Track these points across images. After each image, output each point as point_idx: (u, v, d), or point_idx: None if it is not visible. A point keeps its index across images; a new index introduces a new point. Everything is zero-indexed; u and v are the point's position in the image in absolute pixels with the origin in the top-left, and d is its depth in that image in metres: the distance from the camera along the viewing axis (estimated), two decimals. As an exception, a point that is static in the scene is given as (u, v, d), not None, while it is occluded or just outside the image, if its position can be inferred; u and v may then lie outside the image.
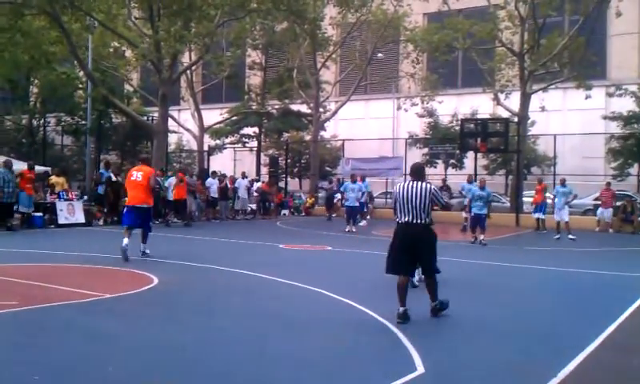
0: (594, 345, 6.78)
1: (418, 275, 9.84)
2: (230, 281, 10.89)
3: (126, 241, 12.44)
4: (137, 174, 13.26)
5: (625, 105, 31.35)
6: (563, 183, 21.42)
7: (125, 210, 14.01)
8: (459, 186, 23.42)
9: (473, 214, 17.80)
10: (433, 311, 8.16)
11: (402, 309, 7.78)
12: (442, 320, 8.11)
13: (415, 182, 8.04)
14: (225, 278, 11.12)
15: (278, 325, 7.55)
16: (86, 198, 22.69)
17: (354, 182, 22.04)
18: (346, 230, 20.88)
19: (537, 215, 23.27)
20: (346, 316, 8.22)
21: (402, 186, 8.13)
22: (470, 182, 21.75)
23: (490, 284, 11.44)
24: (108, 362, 5.89)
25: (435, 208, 8.25)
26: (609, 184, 24.66)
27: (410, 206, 7.89)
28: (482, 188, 17.77)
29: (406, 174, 29.60)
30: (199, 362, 5.98)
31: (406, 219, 7.94)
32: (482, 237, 17.38)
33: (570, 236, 19.72)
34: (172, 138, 38.01)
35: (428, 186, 8.03)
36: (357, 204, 21.70)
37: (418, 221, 7.89)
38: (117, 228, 20.56)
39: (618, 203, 24.78)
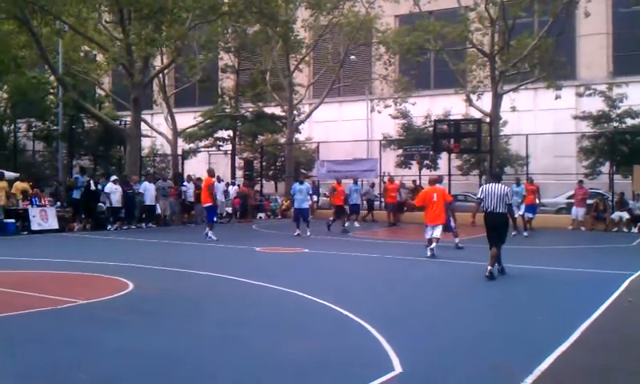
0: (568, 343, 6.84)
1: (458, 239, 16.08)
2: (206, 285, 10.85)
3: (207, 230, 18.67)
4: (202, 184, 20.34)
5: (594, 104, 31.76)
6: (518, 183, 22.42)
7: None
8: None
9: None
10: (492, 273, 11.21)
11: (498, 267, 11.60)
12: (421, 320, 8.18)
13: (496, 184, 11.65)
14: (200, 282, 11.08)
15: (256, 327, 7.54)
16: (58, 204, 22.46)
17: (301, 183, 21.34)
18: (297, 234, 20.11)
19: (525, 215, 23.09)
20: (323, 317, 8.24)
21: (488, 186, 11.71)
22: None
23: (469, 284, 11.54)
24: (81, 368, 5.84)
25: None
26: (581, 182, 24.94)
27: (495, 199, 11.37)
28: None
29: (380, 176, 29.86)
30: (177, 366, 5.95)
31: (490, 209, 11.43)
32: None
33: (514, 233, 20.67)
34: (145, 142, 37.68)
35: (505, 186, 11.71)
36: (306, 205, 20.90)
37: (498, 210, 11.39)
38: (91, 234, 20.45)
39: (590, 201, 25.07)
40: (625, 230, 23.41)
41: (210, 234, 18.51)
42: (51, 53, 26.98)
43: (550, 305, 9.43)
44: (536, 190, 23.08)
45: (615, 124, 30.70)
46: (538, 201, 23.23)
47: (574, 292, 10.50)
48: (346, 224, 22.72)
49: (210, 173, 19.98)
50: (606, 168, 29.46)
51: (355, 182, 24.89)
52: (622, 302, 9.46)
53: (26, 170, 28.05)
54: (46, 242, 17.80)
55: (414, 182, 30.19)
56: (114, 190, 21.90)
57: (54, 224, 20.64)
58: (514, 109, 31.91)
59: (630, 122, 30.33)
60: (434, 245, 14.39)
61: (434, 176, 17.56)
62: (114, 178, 22.98)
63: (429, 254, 14.28)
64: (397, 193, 25.66)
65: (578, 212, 24.11)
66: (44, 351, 6.42)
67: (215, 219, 19.43)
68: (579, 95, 33.78)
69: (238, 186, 30.09)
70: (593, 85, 32.23)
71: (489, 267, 11.27)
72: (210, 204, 18.93)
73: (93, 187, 22.19)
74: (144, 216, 23.38)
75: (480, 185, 34.59)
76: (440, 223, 14.53)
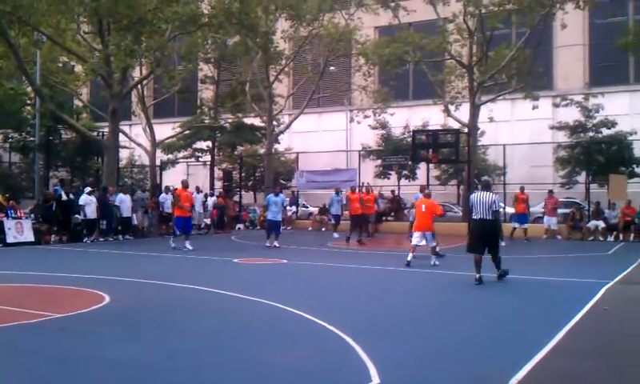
0: (545, 351, 6.89)
1: (433, 261, 14.72)
2: (184, 297, 10.77)
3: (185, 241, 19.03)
4: None
5: (571, 114, 32.14)
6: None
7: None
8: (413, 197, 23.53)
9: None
10: (499, 277, 12.12)
11: (477, 275, 11.76)
12: (400, 331, 8.18)
13: (485, 192, 12.04)
14: (179, 295, 10.99)
15: (233, 339, 7.50)
16: (32, 216, 22.13)
17: (276, 194, 20.86)
18: (267, 245, 19.83)
19: (514, 225, 23.28)
20: (301, 329, 8.21)
21: (476, 195, 12.16)
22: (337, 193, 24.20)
23: (447, 293, 11.58)
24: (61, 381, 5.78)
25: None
26: (551, 192, 25.18)
27: (482, 207, 11.79)
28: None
29: (359, 186, 29.83)
30: (154, 376, 5.91)
31: (480, 216, 11.82)
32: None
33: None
34: (123, 154, 37.46)
35: (493, 195, 12.04)
36: (279, 218, 20.53)
37: (488, 217, 11.78)
38: (67, 246, 20.23)
39: (567, 210, 25.32)
40: (601, 238, 23.68)
41: (172, 242, 19.26)
42: (29, 63, 26.75)
43: (528, 313, 9.49)
44: (526, 199, 23.45)
45: (591, 134, 31.11)
46: (528, 210, 23.68)
47: (551, 300, 10.58)
48: (334, 234, 22.79)
49: (184, 184, 20.14)
50: (582, 177, 29.80)
51: (337, 193, 24.88)
52: (599, 310, 9.55)
53: (3, 182, 27.71)
54: (21, 255, 17.57)
55: (393, 192, 30.35)
56: (88, 202, 21.49)
57: (29, 236, 20.35)
58: (491, 119, 32.19)
59: (605, 131, 30.74)
60: (413, 254, 14.73)
61: (426, 192, 17.51)
62: (88, 189, 22.60)
63: (409, 258, 14.62)
64: (374, 203, 25.47)
65: (550, 221, 24.41)
66: (21, 366, 6.33)
67: (177, 232, 19.52)
68: (556, 106, 34.24)
69: (217, 197, 29.96)
70: (569, 95, 32.63)
71: (477, 275, 11.77)
72: (178, 215, 19.29)
73: (64, 197, 21.84)
74: (120, 228, 23.14)
75: (458, 195, 35.13)
76: (425, 230, 14.90)
